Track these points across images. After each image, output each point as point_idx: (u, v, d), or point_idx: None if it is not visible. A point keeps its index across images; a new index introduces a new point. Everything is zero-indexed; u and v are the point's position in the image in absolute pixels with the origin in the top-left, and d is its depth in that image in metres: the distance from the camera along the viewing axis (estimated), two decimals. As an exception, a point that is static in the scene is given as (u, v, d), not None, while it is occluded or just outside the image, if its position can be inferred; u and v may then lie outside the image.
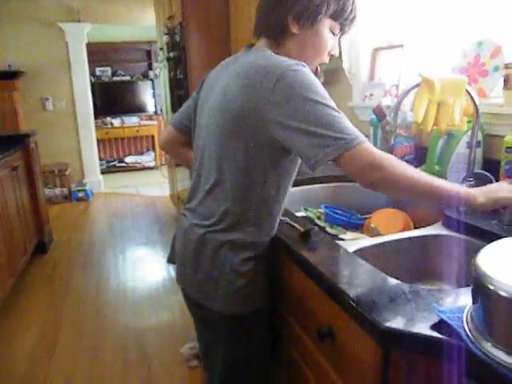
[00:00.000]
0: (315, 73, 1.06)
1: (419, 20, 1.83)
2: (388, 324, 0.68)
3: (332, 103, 0.91)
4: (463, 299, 0.75)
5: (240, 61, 1.06)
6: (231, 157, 1.01)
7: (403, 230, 1.47)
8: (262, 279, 1.09)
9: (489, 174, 1.26)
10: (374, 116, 1.69)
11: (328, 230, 1.54)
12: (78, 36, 5.33)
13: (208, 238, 1.06)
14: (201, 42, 2.93)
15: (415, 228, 1.48)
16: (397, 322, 0.68)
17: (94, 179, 5.83)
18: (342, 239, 1.37)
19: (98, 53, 7.12)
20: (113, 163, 7.33)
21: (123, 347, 2.37)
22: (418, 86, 1.16)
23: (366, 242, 1.11)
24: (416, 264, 1.17)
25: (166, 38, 3.38)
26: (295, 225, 1.12)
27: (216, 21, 2.91)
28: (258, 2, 1.08)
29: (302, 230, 1.08)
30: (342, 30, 1.07)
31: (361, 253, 1.08)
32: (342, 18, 1.04)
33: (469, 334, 0.62)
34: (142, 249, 3.89)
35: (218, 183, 1.05)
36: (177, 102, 3.36)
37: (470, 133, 1.31)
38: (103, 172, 6.54)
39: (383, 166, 0.87)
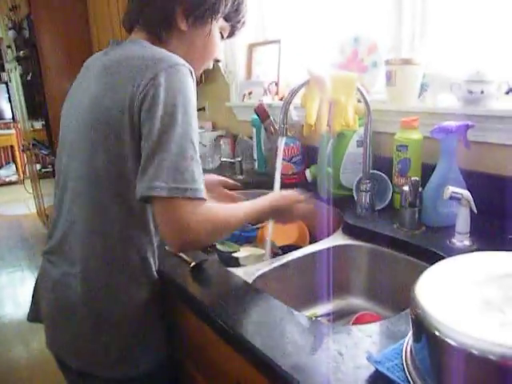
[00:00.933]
0: (198, 80, 0.92)
1: (295, 14, 1.76)
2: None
3: (193, 133, 0.76)
4: (391, 333, 0.64)
5: (108, 55, 0.86)
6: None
7: (298, 238, 1.37)
8: (159, 329, 0.91)
9: (384, 175, 1.21)
10: (256, 116, 1.56)
11: (219, 247, 1.38)
12: None
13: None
14: (56, 38, 2.54)
15: (311, 236, 1.40)
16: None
17: None
18: (237, 258, 1.23)
19: None
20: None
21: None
22: (306, 84, 1.04)
23: (266, 266, 0.97)
24: (324, 279, 1.07)
25: (12, 34, 2.90)
26: (184, 256, 0.93)
27: (72, 13, 2.54)
28: None
29: (193, 262, 0.90)
30: (231, 34, 0.96)
31: (263, 280, 0.94)
32: (235, 20, 0.93)
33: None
34: (5, 279, 3.34)
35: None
36: (34, 107, 2.91)
37: (359, 131, 1.25)
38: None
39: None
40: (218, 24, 0.91)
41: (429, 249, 0.93)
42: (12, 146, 6.60)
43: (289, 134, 1.54)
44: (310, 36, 1.72)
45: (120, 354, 0.86)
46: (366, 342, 0.62)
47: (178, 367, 0.98)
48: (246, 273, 0.92)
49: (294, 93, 1.06)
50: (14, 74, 3.47)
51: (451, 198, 0.91)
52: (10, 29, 2.91)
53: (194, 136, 0.76)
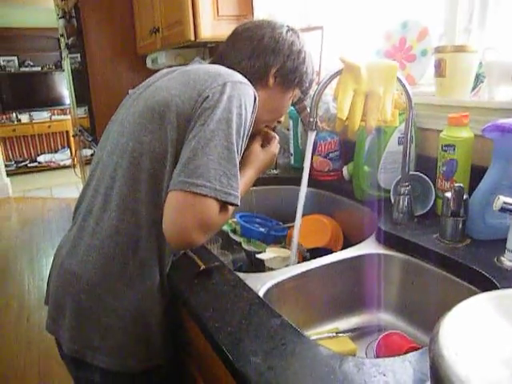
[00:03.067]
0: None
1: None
2: None
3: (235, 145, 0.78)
4: (412, 373, 0.54)
5: (189, 66, 0.94)
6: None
7: (330, 240, 1.27)
8: (163, 326, 0.86)
9: (426, 177, 1.08)
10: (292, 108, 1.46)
11: (244, 246, 1.31)
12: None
13: None
14: (101, 28, 2.54)
15: (345, 239, 1.29)
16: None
17: (-1, 183, 5.20)
18: (261, 259, 1.15)
19: (1, 40, 6.32)
20: (24, 163, 6.62)
21: None
22: (340, 73, 0.94)
23: (283, 274, 0.88)
24: (348, 291, 0.97)
25: (62, 22, 2.95)
26: (195, 258, 0.86)
27: (118, 4, 2.54)
28: (239, 37, 0.96)
29: (202, 266, 0.83)
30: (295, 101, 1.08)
31: (278, 289, 0.85)
32: (305, 93, 1.05)
33: None
34: (53, 261, 3.46)
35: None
36: (81, 94, 2.96)
37: (401, 128, 1.12)
38: (12, 174, 5.92)
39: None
40: (295, 93, 1.00)
41: (472, 267, 0.81)
42: (67, 132, 6.86)
43: (326, 127, 1.45)
44: (355, 22, 1.59)
45: (117, 342, 0.82)
46: (378, 383, 0.53)
47: (178, 365, 0.92)
48: (259, 280, 0.84)
49: (325, 84, 0.95)
50: (66, 62, 3.55)
51: (502, 209, 0.77)
52: (60, 17, 2.97)
53: (242, 146, 0.80)
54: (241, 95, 0.80)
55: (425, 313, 0.90)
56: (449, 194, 0.89)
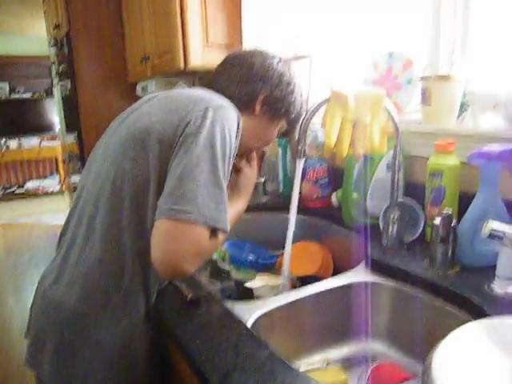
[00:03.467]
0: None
1: (327, 29, 1.67)
2: None
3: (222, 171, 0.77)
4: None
5: (173, 91, 0.94)
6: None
7: (321, 268, 1.26)
8: (150, 359, 0.84)
9: (414, 204, 1.08)
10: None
11: (233, 274, 1.29)
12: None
13: None
14: (91, 56, 2.57)
15: (335, 265, 1.28)
16: None
17: (-15, 209, 5.13)
18: (250, 288, 1.13)
19: (-7, 67, 6.42)
20: (11, 189, 6.55)
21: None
22: (327, 101, 0.95)
23: (272, 303, 0.87)
24: (338, 320, 0.96)
25: (53, 50, 2.97)
26: (182, 287, 0.85)
27: (108, 33, 2.57)
28: (230, 63, 0.97)
29: (189, 296, 0.81)
30: (281, 134, 1.06)
31: (266, 318, 0.83)
32: (293, 125, 1.03)
33: None
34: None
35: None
36: (70, 120, 2.96)
37: (389, 155, 1.13)
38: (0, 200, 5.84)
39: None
40: (282, 122, 1.00)
41: (462, 294, 0.80)
42: (57, 158, 6.83)
43: (314, 154, 1.46)
44: (343, 52, 1.63)
45: (102, 377, 0.80)
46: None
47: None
48: (249, 309, 0.82)
49: (312, 112, 0.96)
50: (57, 89, 3.56)
51: (491, 235, 0.78)
52: (52, 46, 2.99)
53: (227, 170, 0.79)
54: (224, 120, 0.79)
55: (416, 341, 0.88)
56: (437, 221, 0.89)
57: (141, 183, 0.78)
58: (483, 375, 0.41)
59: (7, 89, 6.76)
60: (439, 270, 0.89)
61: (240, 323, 0.75)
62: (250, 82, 0.94)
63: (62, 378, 0.81)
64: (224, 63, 0.99)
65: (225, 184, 0.77)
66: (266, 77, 0.94)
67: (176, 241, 0.70)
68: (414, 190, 1.16)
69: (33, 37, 5.04)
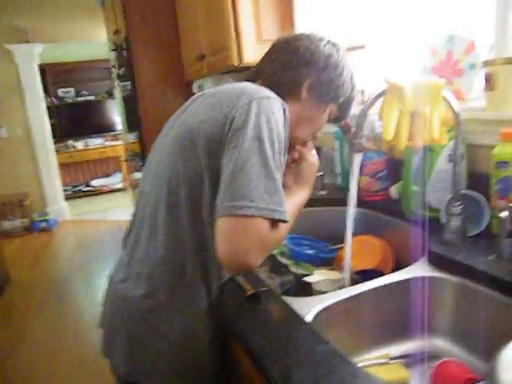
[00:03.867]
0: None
1: (380, 17, 1.62)
2: None
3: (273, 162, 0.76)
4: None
5: (220, 87, 0.93)
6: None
7: (380, 262, 1.24)
8: (212, 351, 0.87)
9: (478, 196, 1.04)
10: (337, 129, 1.46)
11: (292, 268, 1.30)
12: (29, 57, 5.04)
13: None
14: (149, 58, 2.67)
15: (396, 260, 1.26)
16: None
17: (58, 207, 5.49)
18: (309, 283, 1.14)
19: (60, 74, 6.90)
20: (79, 188, 6.97)
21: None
22: (384, 93, 0.93)
23: (331, 298, 0.87)
24: (399, 315, 0.94)
25: (113, 54, 3.12)
26: (242, 283, 0.87)
27: (165, 35, 2.66)
28: (276, 49, 0.95)
29: (249, 291, 0.83)
30: (333, 120, 1.00)
31: (326, 313, 0.84)
32: (344, 110, 0.98)
33: None
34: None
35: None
36: (132, 120, 3.09)
37: (450, 145, 1.09)
38: (69, 198, 6.25)
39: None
40: (331, 107, 0.95)
41: (533, 291, 0.76)
42: (119, 156, 7.17)
43: (373, 147, 1.43)
44: (399, 39, 1.57)
45: (169, 367, 0.84)
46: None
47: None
48: (308, 304, 0.83)
49: (369, 104, 0.95)
50: (117, 90, 3.73)
51: None
52: (112, 50, 3.14)
53: (279, 160, 0.78)
54: (268, 110, 0.78)
55: (482, 339, 0.85)
56: (504, 214, 0.85)
57: (195, 183, 0.80)
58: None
59: (73, 92, 7.19)
60: (508, 265, 0.85)
61: (299, 318, 0.76)
62: (296, 66, 0.91)
63: (132, 368, 0.87)
64: (270, 50, 0.97)
65: (278, 174, 0.76)
66: (312, 60, 0.91)
67: (238, 236, 0.71)
68: (478, 181, 1.10)
69: (93, 42, 5.28)
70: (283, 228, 0.78)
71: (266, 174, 0.73)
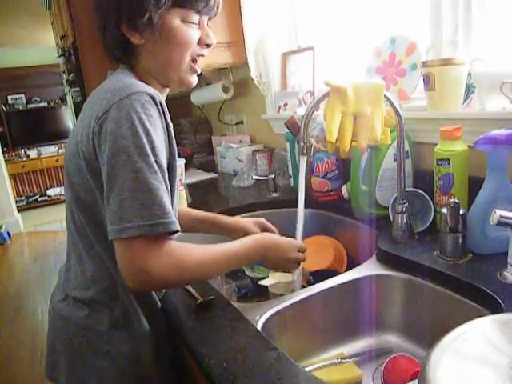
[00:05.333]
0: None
1: (328, 19, 1.65)
2: None
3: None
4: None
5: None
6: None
7: (334, 261, 1.26)
8: (160, 364, 0.85)
9: (423, 193, 1.07)
10: (287, 130, 1.47)
11: (248, 272, 1.30)
12: (-28, 63, 4.82)
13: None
14: (99, 63, 2.59)
15: (349, 258, 1.28)
16: None
17: (11, 219, 5.26)
18: (264, 286, 1.13)
19: (9, 80, 6.56)
20: (34, 198, 6.71)
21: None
22: (326, 96, 0.94)
23: (283, 301, 0.87)
24: (351, 315, 0.95)
25: (62, 60, 3.02)
26: (192, 291, 0.85)
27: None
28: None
29: (199, 300, 0.82)
30: (203, 13, 0.83)
31: (278, 317, 0.84)
32: (190, 1, 0.79)
33: None
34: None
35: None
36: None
37: (395, 144, 1.11)
38: (24, 209, 6.00)
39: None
40: (175, 16, 0.78)
41: (473, 284, 0.79)
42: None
43: (322, 147, 1.44)
44: (345, 41, 1.60)
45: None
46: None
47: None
48: (260, 309, 0.83)
49: (313, 106, 0.95)
50: (69, 96, 3.63)
51: (499, 223, 0.76)
52: (60, 56, 3.04)
53: (156, 162, 0.70)
54: (131, 111, 0.69)
55: (430, 332, 0.88)
56: (445, 210, 0.87)
57: (91, 205, 0.77)
58: (484, 377, 0.40)
59: (24, 99, 6.91)
60: (450, 260, 0.88)
61: (250, 325, 0.76)
62: (101, 24, 0.80)
63: None
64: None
65: (157, 181, 0.69)
66: (101, 8, 0.79)
67: (128, 258, 0.68)
68: (423, 177, 1.14)
69: (44, 46, 5.11)
70: (189, 247, 0.75)
71: (140, 188, 0.67)
